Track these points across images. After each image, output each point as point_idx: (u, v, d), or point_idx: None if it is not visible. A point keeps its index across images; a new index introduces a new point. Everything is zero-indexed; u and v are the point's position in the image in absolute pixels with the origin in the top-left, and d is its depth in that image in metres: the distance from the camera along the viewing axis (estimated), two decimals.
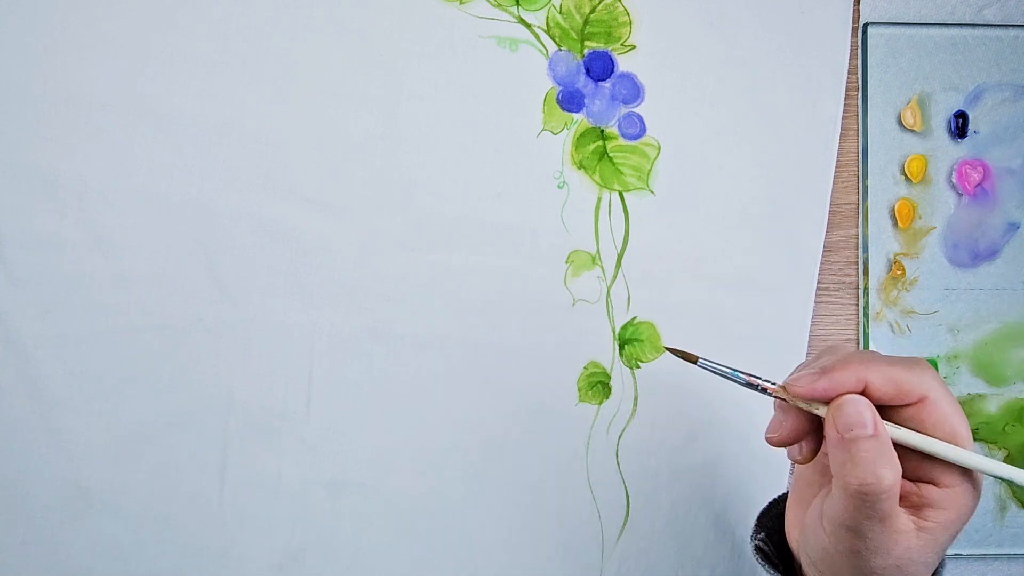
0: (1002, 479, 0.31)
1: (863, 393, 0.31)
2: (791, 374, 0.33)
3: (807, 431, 0.34)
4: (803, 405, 0.32)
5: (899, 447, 0.31)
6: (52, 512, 0.46)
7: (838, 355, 0.32)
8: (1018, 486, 0.31)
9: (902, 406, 0.31)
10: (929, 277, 0.48)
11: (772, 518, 0.39)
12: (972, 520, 0.47)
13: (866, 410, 0.30)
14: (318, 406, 0.47)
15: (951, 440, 0.30)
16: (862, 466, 0.30)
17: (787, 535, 0.37)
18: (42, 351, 0.46)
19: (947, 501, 0.31)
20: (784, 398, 0.33)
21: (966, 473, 0.31)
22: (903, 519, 0.30)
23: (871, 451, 0.30)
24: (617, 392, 0.48)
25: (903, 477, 0.31)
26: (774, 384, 0.33)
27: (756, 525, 0.38)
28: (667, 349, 0.36)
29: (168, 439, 0.47)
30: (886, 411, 0.31)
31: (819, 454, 0.36)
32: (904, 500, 0.31)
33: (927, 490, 0.31)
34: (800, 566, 0.35)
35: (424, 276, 0.47)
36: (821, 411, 0.32)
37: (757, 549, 0.36)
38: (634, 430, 0.48)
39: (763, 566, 0.36)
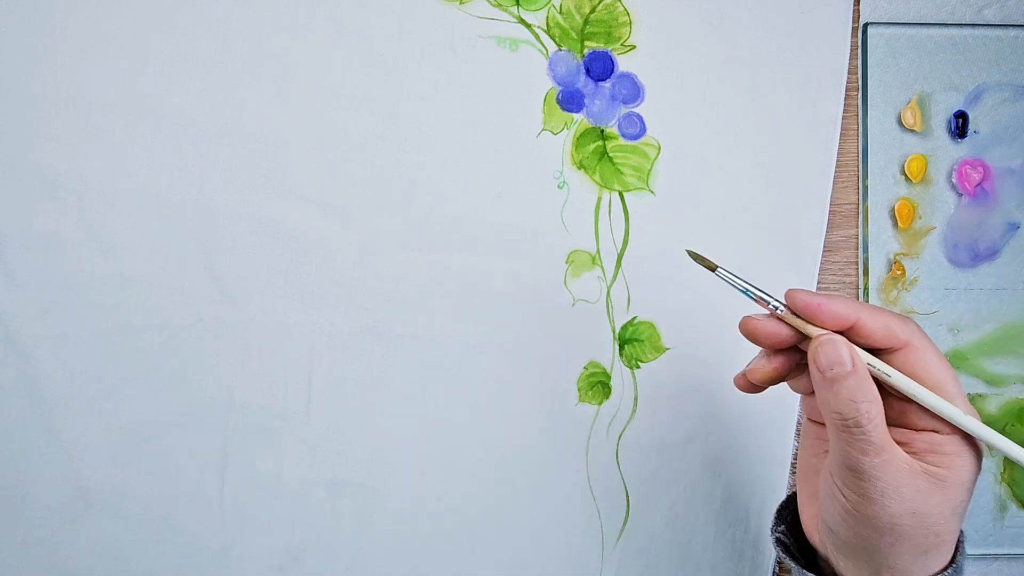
0: (978, 436, 0.32)
1: (854, 329, 0.32)
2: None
3: (780, 377, 0.36)
4: (795, 323, 0.33)
5: (893, 396, 0.33)
6: (52, 512, 0.46)
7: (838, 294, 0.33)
8: (995, 448, 0.32)
9: (891, 352, 0.32)
10: (929, 277, 0.48)
11: (791, 512, 0.39)
12: (972, 520, 0.47)
13: (844, 349, 0.32)
14: (318, 406, 0.47)
15: (936, 388, 0.32)
16: (844, 399, 0.31)
17: (806, 533, 0.37)
18: (42, 351, 0.46)
19: (950, 446, 0.32)
20: (782, 316, 0.34)
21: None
22: (901, 454, 0.31)
23: (851, 386, 0.31)
24: (617, 392, 0.48)
25: (906, 426, 0.32)
26: (779, 302, 0.34)
27: (775, 519, 0.38)
28: (688, 252, 0.38)
29: (168, 439, 0.47)
30: (878, 355, 0.33)
31: (808, 453, 0.37)
32: (909, 447, 0.32)
33: (930, 437, 0.32)
34: (826, 561, 0.35)
35: (424, 276, 0.47)
36: (811, 331, 0.33)
37: (778, 542, 0.37)
38: (634, 430, 0.48)
39: (785, 559, 0.36)
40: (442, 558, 0.47)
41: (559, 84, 0.47)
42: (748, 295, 0.35)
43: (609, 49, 0.47)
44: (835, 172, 0.48)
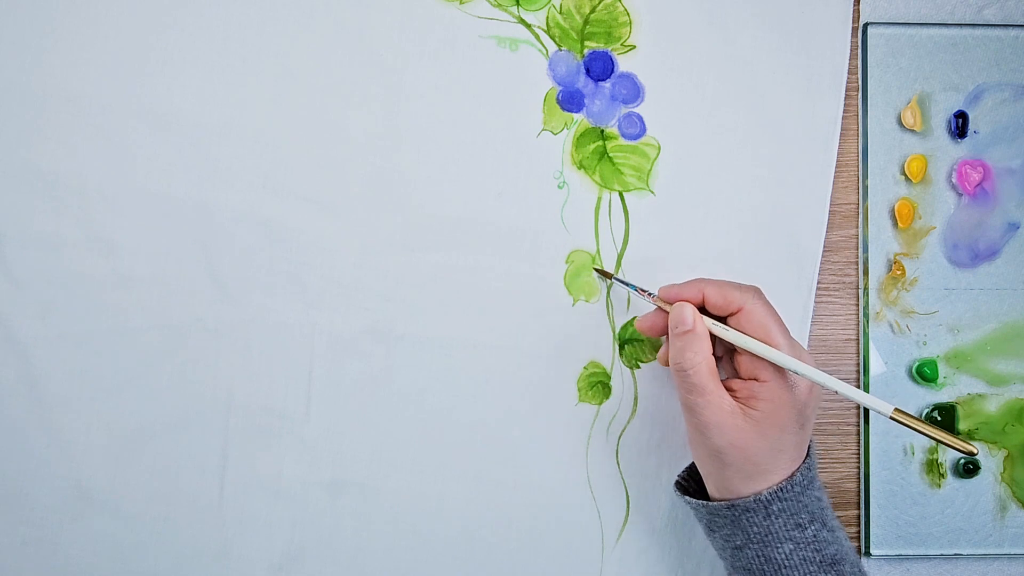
0: (795, 371, 0.38)
1: (704, 301, 0.40)
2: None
3: (661, 331, 0.43)
4: (663, 306, 0.42)
5: (733, 352, 0.41)
6: (52, 512, 0.46)
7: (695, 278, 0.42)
8: (796, 372, 0.38)
9: (733, 315, 0.40)
10: (929, 277, 0.48)
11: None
12: (972, 520, 0.48)
13: (687, 312, 0.40)
14: (318, 406, 0.47)
15: (763, 340, 0.39)
16: (679, 351, 0.40)
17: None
18: (42, 351, 0.46)
19: (765, 392, 0.39)
20: (657, 302, 0.43)
21: (778, 370, 0.39)
22: (724, 396, 0.39)
23: (686, 340, 0.40)
24: (617, 392, 0.48)
25: (739, 377, 0.40)
26: (652, 294, 0.43)
27: (685, 469, 0.45)
28: (594, 269, 0.47)
29: (168, 439, 0.47)
30: (725, 320, 0.40)
31: None
32: (735, 394, 0.39)
33: (751, 384, 0.39)
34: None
35: (424, 276, 0.47)
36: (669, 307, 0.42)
37: (677, 484, 0.44)
38: (634, 430, 0.48)
39: (679, 495, 0.43)
40: (442, 558, 0.47)
41: (559, 84, 0.47)
42: (632, 289, 0.44)
43: (609, 49, 0.47)
44: (835, 172, 0.48)
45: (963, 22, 0.49)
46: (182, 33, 0.46)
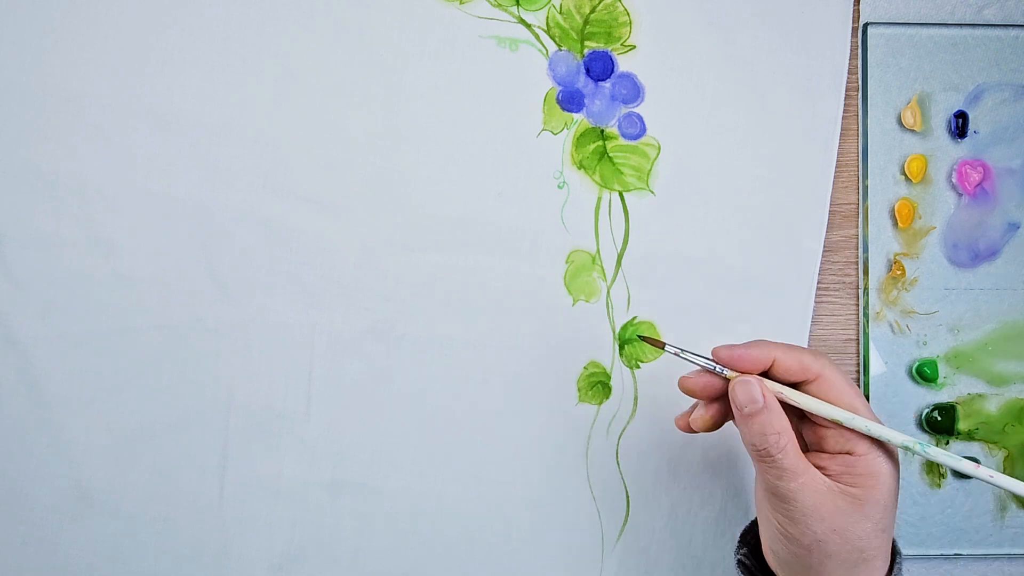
0: (902, 446, 0.35)
1: (773, 368, 0.36)
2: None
3: (717, 423, 0.39)
4: (730, 375, 0.37)
5: (812, 423, 0.37)
6: (52, 512, 0.46)
7: (757, 340, 0.38)
8: (910, 450, 0.35)
9: (807, 383, 0.36)
10: (929, 277, 0.48)
11: (753, 535, 0.41)
12: (972, 520, 0.48)
13: (756, 387, 0.36)
14: (318, 406, 0.47)
15: (848, 410, 0.35)
16: (756, 432, 0.35)
17: (764, 553, 0.39)
18: (42, 351, 0.46)
19: (862, 467, 0.35)
20: (713, 367, 0.38)
21: (874, 441, 0.35)
22: (819, 477, 0.35)
23: (762, 420, 0.35)
24: (617, 392, 0.48)
25: (822, 451, 0.36)
26: (710, 359, 0.38)
27: (739, 541, 0.41)
28: (639, 337, 0.45)
29: (168, 439, 0.47)
30: (797, 387, 0.37)
31: (758, 482, 0.39)
32: (825, 470, 0.35)
33: (845, 459, 0.35)
34: None
35: (424, 276, 0.47)
36: (730, 375, 0.38)
37: (740, 564, 0.40)
38: (634, 430, 0.48)
39: None
40: (442, 558, 0.47)
41: (559, 84, 0.47)
42: (696, 363, 0.39)
43: (609, 49, 0.47)
44: (835, 172, 0.48)
45: (963, 22, 0.49)
46: (182, 33, 0.46)
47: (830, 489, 0.34)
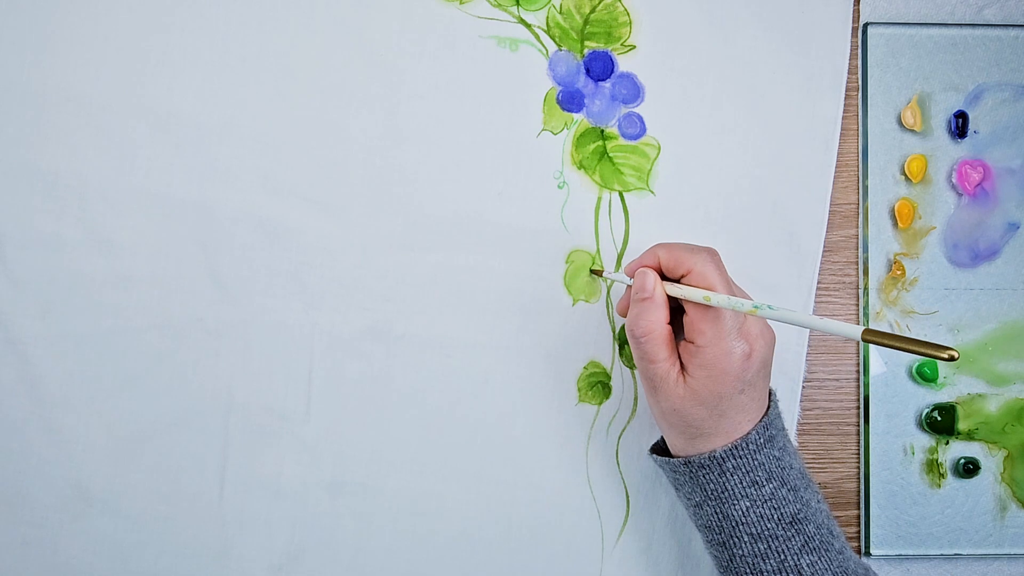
0: (748, 311, 0.37)
1: (660, 266, 0.40)
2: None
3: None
4: (628, 281, 0.42)
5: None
6: (52, 512, 0.46)
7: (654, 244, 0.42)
8: (757, 311, 0.36)
9: (686, 276, 0.39)
10: (929, 277, 0.48)
11: None
12: (972, 520, 0.48)
13: (648, 279, 0.40)
14: (318, 406, 0.47)
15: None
16: (635, 317, 0.40)
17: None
18: (42, 351, 0.46)
19: (700, 358, 0.38)
20: (625, 279, 0.43)
21: (714, 335, 0.38)
22: (668, 366, 0.39)
23: (643, 308, 0.40)
24: (617, 392, 0.48)
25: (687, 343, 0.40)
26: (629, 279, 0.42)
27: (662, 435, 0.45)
28: (591, 271, 0.47)
29: (168, 439, 0.47)
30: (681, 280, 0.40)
31: None
32: (684, 361, 0.39)
33: (690, 348, 0.39)
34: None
35: (424, 276, 0.47)
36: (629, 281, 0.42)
37: (653, 448, 0.44)
38: (634, 430, 0.48)
39: (652, 457, 0.43)
40: (442, 558, 0.47)
41: (559, 84, 0.47)
42: (621, 280, 0.43)
43: (609, 49, 0.47)
44: (835, 172, 0.48)
45: (963, 22, 0.49)
46: (182, 33, 0.46)
47: (676, 378, 0.39)
